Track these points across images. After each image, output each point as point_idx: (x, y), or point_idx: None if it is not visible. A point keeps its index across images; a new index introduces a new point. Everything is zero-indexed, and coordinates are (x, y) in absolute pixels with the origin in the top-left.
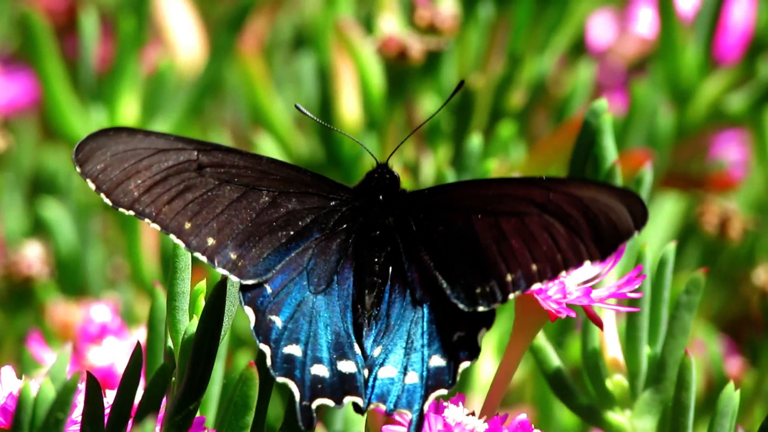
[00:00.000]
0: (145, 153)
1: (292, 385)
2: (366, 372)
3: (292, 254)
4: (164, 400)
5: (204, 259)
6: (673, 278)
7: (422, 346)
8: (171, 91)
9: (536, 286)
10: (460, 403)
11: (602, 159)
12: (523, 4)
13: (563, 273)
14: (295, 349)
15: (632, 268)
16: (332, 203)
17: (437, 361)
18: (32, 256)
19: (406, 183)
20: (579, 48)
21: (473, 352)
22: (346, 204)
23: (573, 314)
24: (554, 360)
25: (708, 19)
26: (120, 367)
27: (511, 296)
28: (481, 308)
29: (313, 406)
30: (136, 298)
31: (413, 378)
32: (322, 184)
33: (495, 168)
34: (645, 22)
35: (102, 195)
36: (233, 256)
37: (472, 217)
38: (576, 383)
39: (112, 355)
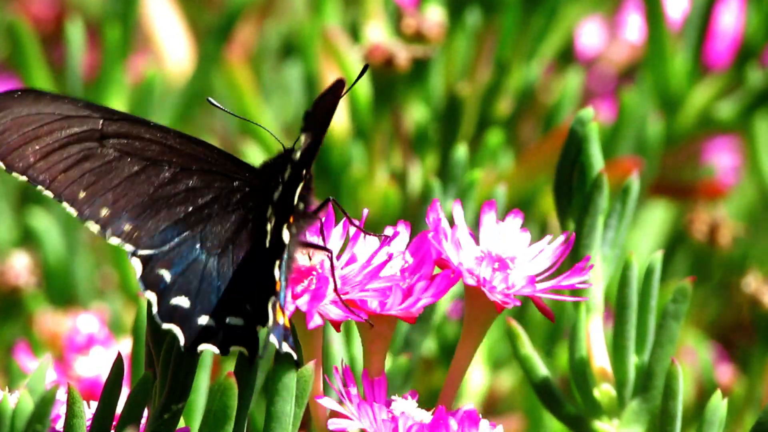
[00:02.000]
0: (48, 119)
1: (177, 330)
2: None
3: (191, 228)
4: (146, 410)
5: (96, 228)
6: (664, 287)
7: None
8: (158, 100)
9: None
10: (409, 397)
11: (589, 167)
12: (510, 11)
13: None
14: (183, 301)
15: (618, 275)
16: (235, 183)
17: (235, 321)
18: (20, 266)
19: (392, 192)
20: (567, 55)
21: (264, 319)
22: (250, 183)
23: (518, 303)
24: (542, 369)
25: (697, 25)
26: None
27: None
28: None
29: (199, 350)
30: (125, 307)
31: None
32: (227, 162)
33: (481, 177)
34: (634, 29)
35: None
36: (127, 227)
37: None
38: (564, 392)
39: (99, 366)
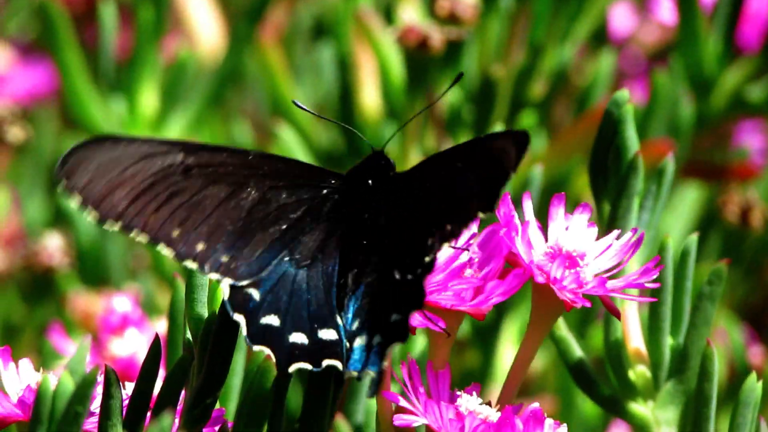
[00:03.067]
0: (128, 161)
1: (269, 352)
2: (347, 344)
3: (287, 246)
4: (183, 392)
5: (194, 266)
6: (696, 268)
7: (385, 308)
8: (190, 81)
9: (446, 244)
10: (474, 393)
11: (624, 149)
12: None
13: (466, 227)
14: (273, 319)
15: (649, 254)
16: (323, 191)
17: (395, 316)
18: (53, 246)
19: None
20: (600, 37)
21: (420, 300)
22: (337, 190)
23: (588, 304)
24: (576, 350)
25: (729, 8)
26: (141, 358)
27: (427, 259)
28: (409, 276)
29: (290, 370)
30: (158, 288)
31: (378, 338)
32: (312, 173)
33: None
34: (666, 11)
35: (87, 211)
36: (224, 259)
37: (421, 191)
38: (598, 374)
39: (133, 347)
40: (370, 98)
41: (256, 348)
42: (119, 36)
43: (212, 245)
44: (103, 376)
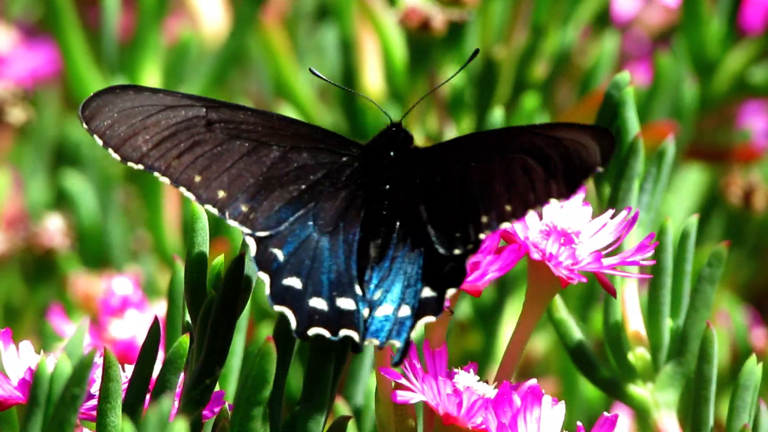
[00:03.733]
0: (152, 109)
1: (289, 313)
2: (365, 312)
3: (305, 205)
4: (182, 374)
5: (215, 211)
6: (699, 250)
7: (416, 281)
8: (193, 62)
9: (505, 225)
10: (471, 370)
11: (624, 131)
12: None
13: (531, 210)
14: (295, 282)
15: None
16: (344, 158)
17: (428, 292)
18: (54, 228)
19: None
20: (603, 19)
21: (459, 280)
22: (358, 159)
23: (584, 279)
24: (576, 333)
25: None
26: (141, 341)
27: (482, 236)
28: (456, 251)
29: (309, 334)
30: (159, 270)
31: (406, 311)
32: (333, 140)
33: None
34: None
35: (110, 150)
36: (244, 208)
37: (464, 167)
38: (599, 356)
39: (133, 329)
40: (372, 79)
41: (276, 308)
42: (122, 17)
43: (233, 194)
44: (102, 358)
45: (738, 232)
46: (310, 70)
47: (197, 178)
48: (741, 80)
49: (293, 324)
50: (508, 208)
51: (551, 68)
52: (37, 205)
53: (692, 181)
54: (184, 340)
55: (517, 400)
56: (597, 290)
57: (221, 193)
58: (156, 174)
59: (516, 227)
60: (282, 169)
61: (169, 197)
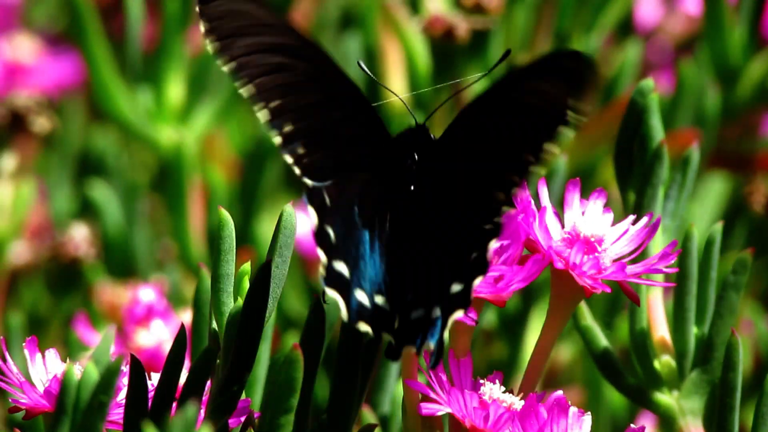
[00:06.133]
0: (255, 20)
1: (339, 299)
2: (399, 317)
3: (348, 174)
4: (209, 382)
5: (278, 139)
6: (721, 258)
7: (444, 280)
8: (217, 72)
9: (534, 170)
10: (497, 381)
11: (649, 138)
12: None
13: (551, 148)
14: (343, 268)
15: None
16: (383, 149)
17: (456, 287)
18: (79, 237)
19: None
20: (626, 27)
21: (484, 267)
22: (390, 151)
23: (608, 289)
24: (602, 341)
25: None
26: (166, 349)
27: (513, 192)
28: (496, 219)
29: (360, 328)
30: (184, 279)
31: (437, 312)
32: (379, 124)
33: None
34: (692, 1)
35: (209, 39)
36: (300, 150)
37: (480, 133)
38: (624, 364)
39: (159, 337)
40: (396, 88)
41: (328, 291)
42: (146, 27)
43: (296, 133)
44: (128, 366)
45: (761, 240)
46: (358, 63)
47: (273, 104)
48: (764, 88)
49: (344, 315)
50: (529, 157)
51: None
52: (62, 214)
53: (715, 189)
54: (211, 347)
55: (543, 412)
56: (622, 298)
57: (288, 127)
58: (239, 83)
59: (538, 235)
60: (339, 130)
61: (194, 206)
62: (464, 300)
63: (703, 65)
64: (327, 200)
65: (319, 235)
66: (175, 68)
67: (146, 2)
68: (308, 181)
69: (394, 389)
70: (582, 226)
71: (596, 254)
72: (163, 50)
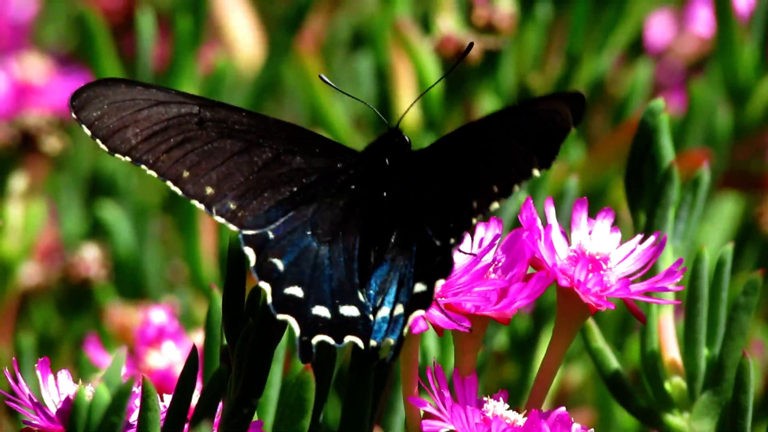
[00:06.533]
0: (144, 104)
1: (292, 321)
2: (371, 318)
3: (296, 208)
4: (221, 403)
5: (201, 206)
6: (732, 279)
7: (409, 280)
8: (229, 91)
9: (494, 206)
10: (501, 399)
11: (659, 158)
12: (581, 3)
13: (517, 187)
14: (296, 291)
15: (684, 265)
16: (339, 164)
17: (419, 287)
18: (90, 258)
19: None
20: (637, 47)
21: (447, 270)
22: (354, 165)
23: (612, 306)
24: (613, 362)
25: (765, 18)
26: (178, 371)
27: (474, 221)
28: (452, 240)
29: (314, 341)
30: (195, 300)
31: (400, 309)
32: (329, 145)
33: (552, 169)
34: (703, 22)
35: (98, 141)
36: (232, 206)
37: (454, 160)
38: (635, 386)
39: (170, 359)
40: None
41: (279, 317)
42: (157, 46)
43: (221, 191)
44: (140, 387)
45: None
46: (320, 77)
47: (185, 174)
48: None
49: (297, 331)
50: (495, 189)
51: (586, 96)
52: (72, 235)
53: (726, 210)
54: (223, 368)
55: (545, 428)
56: (632, 319)
57: (209, 190)
58: (143, 167)
59: (543, 253)
60: (274, 169)
61: (205, 227)
62: (426, 300)
63: (714, 85)
64: (270, 236)
65: (262, 270)
66: (186, 87)
67: (158, 21)
68: (249, 232)
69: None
70: (588, 244)
71: (601, 272)
72: (174, 69)
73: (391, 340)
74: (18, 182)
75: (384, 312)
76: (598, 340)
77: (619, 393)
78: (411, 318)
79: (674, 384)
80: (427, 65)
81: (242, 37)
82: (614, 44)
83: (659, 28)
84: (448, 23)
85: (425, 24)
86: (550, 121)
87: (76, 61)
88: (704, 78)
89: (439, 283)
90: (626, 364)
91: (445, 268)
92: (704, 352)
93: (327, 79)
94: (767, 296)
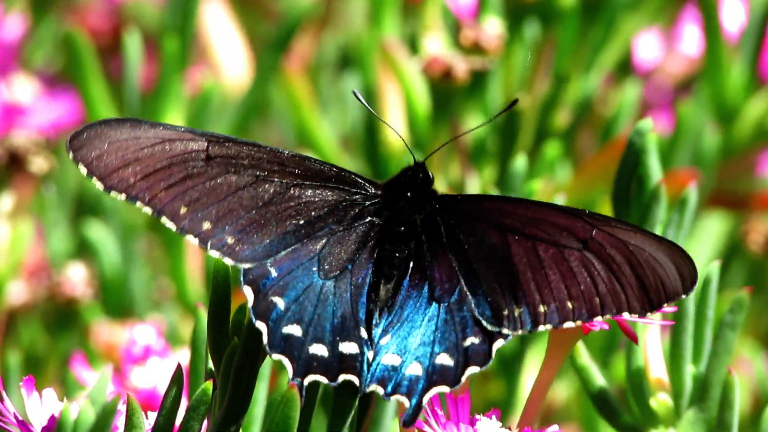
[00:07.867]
0: (148, 142)
1: (287, 362)
2: (370, 356)
3: (300, 241)
4: (205, 422)
5: (195, 240)
6: (719, 297)
7: (432, 342)
8: (216, 112)
9: (569, 324)
10: (494, 417)
11: (647, 178)
12: (568, 23)
13: (599, 318)
14: (295, 329)
15: None
16: (355, 197)
17: (445, 359)
18: (76, 277)
19: None
20: (625, 67)
21: (485, 360)
22: (372, 198)
23: (606, 327)
24: (599, 379)
25: (753, 38)
26: (163, 389)
27: (542, 328)
28: (505, 330)
29: (305, 382)
30: (181, 319)
31: (416, 369)
32: (346, 177)
33: (540, 188)
34: (691, 42)
35: (94, 179)
36: (230, 240)
37: (507, 235)
38: (621, 402)
39: (156, 377)
40: (395, 128)
41: (274, 357)
42: (144, 67)
43: (219, 227)
44: (125, 405)
45: (759, 279)
46: (353, 92)
47: (183, 210)
48: (762, 128)
49: (290, 372)
50: (569, 305)
51: (573, 116)
52: (59, 254)
53: (713, 228)
54: (208, 386)
55: None
56: (618, 336)
57: (206, 225)
58: (138, 204)
59: None
60: (280, 204)
61: (192, 246)
62: (453, 380)
63: (702, 104)
64: (273, 273)
65: (262, 310)
66: (173, 108)
67: (144, 42)
68: (246, 265)
69: (391, 428)
70: None
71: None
72: (161, 90)
73: (405, 401)
74: (4, 202)
75: (393, 360)
76: (584, 357)
77: (605, 410)
78: (432, 391)
79: (660, 401)
80: (414, 86)
81: (229, 58)
82: (602, 64)
83: (647, 48)
84: (436, 44)
85: (412, 45)
86: (649, 268)
87: (63, 82)
88: (692, 98)
89: (471, 371)
90: (612, 381)
91: (484, 359)
92: (690, 369)
93: (360, 97)
94: (755, 314)
